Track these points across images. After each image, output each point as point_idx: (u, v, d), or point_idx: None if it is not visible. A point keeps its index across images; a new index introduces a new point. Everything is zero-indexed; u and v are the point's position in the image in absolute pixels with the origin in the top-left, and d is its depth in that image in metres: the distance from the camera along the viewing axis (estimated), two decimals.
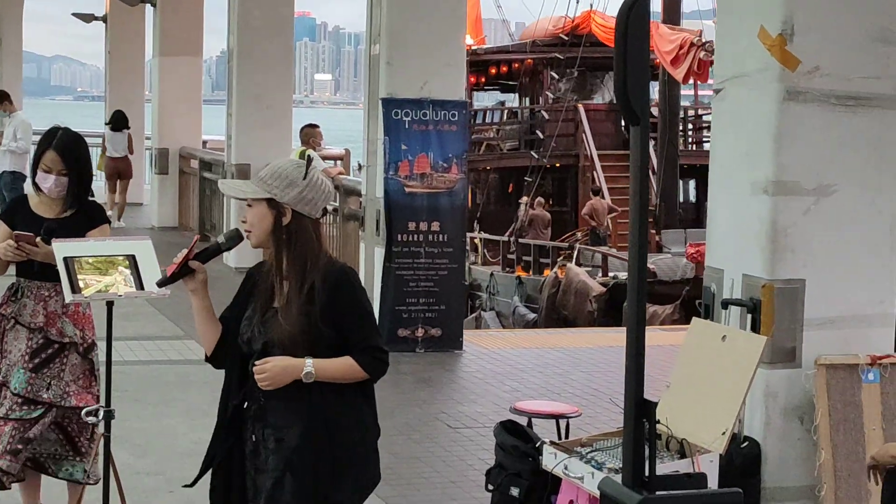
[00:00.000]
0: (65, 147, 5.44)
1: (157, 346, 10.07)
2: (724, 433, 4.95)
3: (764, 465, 5.70)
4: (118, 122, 18.26)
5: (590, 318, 18.53)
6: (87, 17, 22.44)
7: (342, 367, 3.78)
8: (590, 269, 20.73)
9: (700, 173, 28.01)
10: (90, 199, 5.57)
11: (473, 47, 29.90)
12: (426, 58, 10.30)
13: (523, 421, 6.00)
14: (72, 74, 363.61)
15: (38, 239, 5.21)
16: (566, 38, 28.41)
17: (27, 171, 14.64)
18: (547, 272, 21.61)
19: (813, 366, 5.64)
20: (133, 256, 4.88)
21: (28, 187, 16.55)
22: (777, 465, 5.68)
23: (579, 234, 25.16)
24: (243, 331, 3.87)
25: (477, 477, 6.90)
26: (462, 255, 10.73)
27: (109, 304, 4.80)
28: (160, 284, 3.87)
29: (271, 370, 3.74)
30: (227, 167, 15.15)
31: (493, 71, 30.88)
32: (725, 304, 5.80)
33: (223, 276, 13.96)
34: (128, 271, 4.90)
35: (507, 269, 23.82)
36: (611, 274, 20.07)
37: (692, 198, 28.70)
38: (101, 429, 4.85)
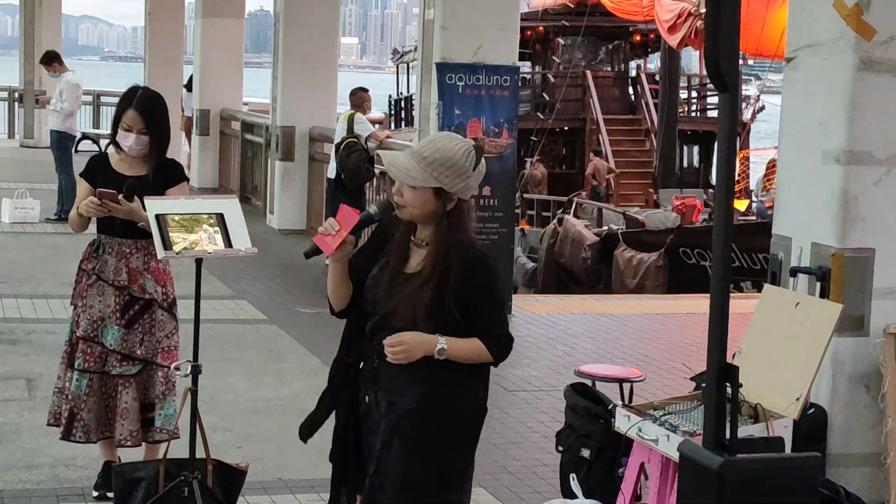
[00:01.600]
0: (145, 106, 5.52)
1: (209, 306, 10.11)
2: (798, 399, 5.00)
3: (830, 432, 5.75)
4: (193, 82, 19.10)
5: (584, 264, 19.56)
6: None
7: (472, 348, 3.85)
8: (588, 222, 21.79)
9: (703, 139, 28.87)
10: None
11: None
12: (480, 22, 10.31)
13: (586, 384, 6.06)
14: (99, 34, 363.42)
15: (120, 196, 5.30)
16: (572, 7, 29.20)
17: (74, 132, 14.74)
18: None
19: (881, 334, 5.68)
20: (221, 215, 4.96)
21: (85, 146, 16.44)
22: (843, 433, 5.74)
23: (584, 194, 26.26)
24: (369, 291, 3.90)
25: (538, 439, 6.98)
26: (512, 220, 10.76)
27: (198, 261, 4.88)
28: (307, 256, 3.88)
29: (409, 343, 3.78)
30: (272, 130, 15.21)
31: None
32: (794, 272, 5.84)
33: (268, 237, 14.10)
34: (212, 229, 4.97)
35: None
36: (605, 226, 21.08)
37: (695, 163, 29.68)
38: (188, 383, 4.93)
